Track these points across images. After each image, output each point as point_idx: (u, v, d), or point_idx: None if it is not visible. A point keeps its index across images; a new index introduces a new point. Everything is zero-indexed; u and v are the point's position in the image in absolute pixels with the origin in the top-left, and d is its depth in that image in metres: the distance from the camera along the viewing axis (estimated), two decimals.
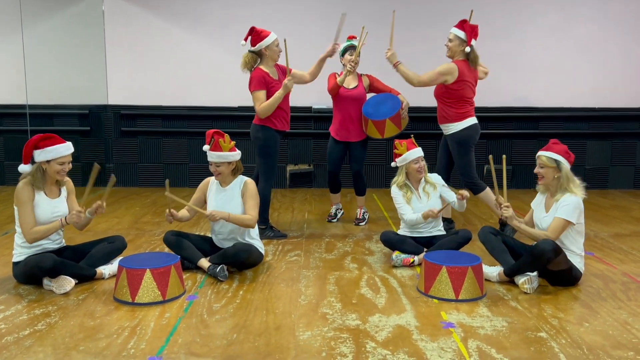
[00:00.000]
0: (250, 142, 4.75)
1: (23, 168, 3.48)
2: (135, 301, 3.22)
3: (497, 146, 7.31)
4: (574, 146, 6.86)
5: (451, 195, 4.09)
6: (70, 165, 3.57)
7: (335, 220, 5.47)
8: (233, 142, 3.83)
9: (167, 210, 3.75)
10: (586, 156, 7.28)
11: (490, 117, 7.07)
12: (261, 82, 4.52)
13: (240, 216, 3.79)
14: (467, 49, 4.50)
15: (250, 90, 4.56)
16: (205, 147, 3.82)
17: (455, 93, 4.58)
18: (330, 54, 4.83)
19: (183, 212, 3.96)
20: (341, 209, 5.60)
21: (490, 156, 3.63)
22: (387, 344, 2.74)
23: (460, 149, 4.67)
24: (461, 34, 4.51)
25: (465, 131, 4.65)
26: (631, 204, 6.37)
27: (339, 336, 2.81)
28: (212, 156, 3.80)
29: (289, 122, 4.77)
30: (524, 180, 7.35)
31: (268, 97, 4.52)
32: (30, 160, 3.47)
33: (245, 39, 4.53)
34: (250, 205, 3.82)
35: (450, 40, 4.59)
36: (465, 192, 3.92)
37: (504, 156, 3.61)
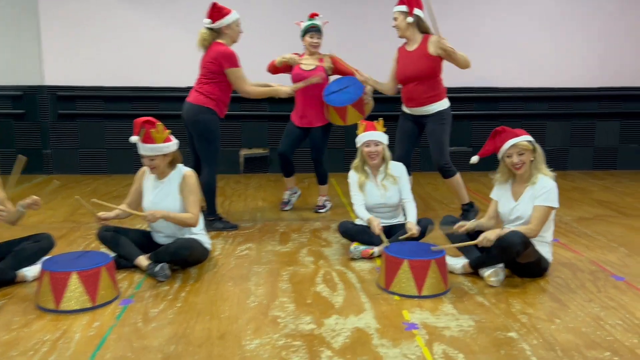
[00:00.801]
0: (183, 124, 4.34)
1: None
2: (60, 308, 2.83)
3: (457, 128, 7.06)
4: (534, 127, 6.76)
5: (406, 193, 3.87)
6: None
7: (288, 208, 5.14)
8: (168, 131, 3.41)
9: (95, 217, 3.38)
10: (546, 137, 7.17)
11: (449, 97, 6.85)
12: (238, 60, 4.20)
13: (180, 215, 3.42)
14: (409, 19, 4.32)
15: (227, 66, 4.14)
16: (133, 139, 3.36)
17: (440, 67, 4.50)
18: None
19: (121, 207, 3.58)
20: (296, 192, 5.24)
21: None
22: (344, 351, 2.45)
23: (446, 126, 4.58)
24: (403, 7, 4.38)
25: (449, 107, 4.62)
26: (591, 186, 6.29)
27: (291, 344, 2.51)
28: (145, 149, 3.37)
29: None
30: (484, 163, 7.14)
31: None
32: None
33: (208, 17, 4.16)
34: (190, 202, 3.44)
35: (395, 19, 4.42)
36: (415, 232, 3.61)
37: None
